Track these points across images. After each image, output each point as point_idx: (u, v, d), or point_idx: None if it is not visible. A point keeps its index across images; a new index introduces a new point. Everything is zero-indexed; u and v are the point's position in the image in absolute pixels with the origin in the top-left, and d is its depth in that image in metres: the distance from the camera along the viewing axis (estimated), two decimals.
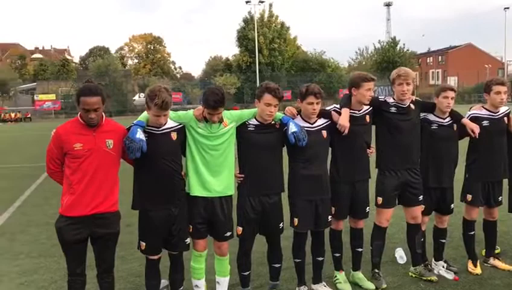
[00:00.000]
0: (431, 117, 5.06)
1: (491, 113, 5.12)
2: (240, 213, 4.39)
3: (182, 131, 4.14)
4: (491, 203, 5.24)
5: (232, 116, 4.30)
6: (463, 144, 5.21)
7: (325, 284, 4.82)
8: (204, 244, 4.33)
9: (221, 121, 4.18)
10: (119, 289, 4.95)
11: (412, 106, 4.92)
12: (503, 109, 5.18)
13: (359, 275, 5.00)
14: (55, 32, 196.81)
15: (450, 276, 5.05)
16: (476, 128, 4.93)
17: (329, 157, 4.75)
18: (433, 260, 5.34)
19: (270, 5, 67.05)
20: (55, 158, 3.79)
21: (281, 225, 4.50)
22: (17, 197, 10.03)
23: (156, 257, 4.16)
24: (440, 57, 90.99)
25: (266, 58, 64.84)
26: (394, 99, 4.91)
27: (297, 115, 4.56)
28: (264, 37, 64.45)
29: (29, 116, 59.27)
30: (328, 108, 4.77)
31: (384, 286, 4.81)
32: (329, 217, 4.68)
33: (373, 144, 4.95)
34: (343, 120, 4.57)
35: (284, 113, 4.52)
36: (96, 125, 3.75)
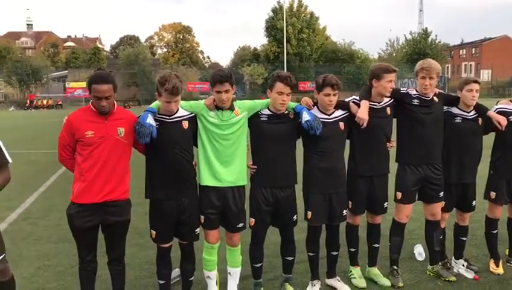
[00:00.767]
0: (455, 110, 4.87)
1: None
2: (253, 204, 4.33)
3: (193, 120, 4.09)
4: None
5: (243, 106, 4.23)
6: (487, 140, 5.01)
7: (339, 279, 4.73)
8: (216, 235, 4.29)
9: (232, 109, 4.12)
10: (134, 276, 5.01)
11: (436, 99, 4.75)
12: None
13: (375, 271, 4.88)
14: (87, 20, 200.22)
15: (470, 275, 4.89)
16: (503, 121, 4.72)
17: (346, 150, 4.64)
18: (453, 258, 5.19)
19: None
20: (67, 145, 3.79)
21: (294, 217, 4.42)
22: (42, 183, 10.24)
23: (166, 245, 4.15)
24: (474, 49, 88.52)
25: (294, 48, 64.36)
26: (417, 91, 4.74)
27: (313, 106, 4.46)
28: (292, 27, 63.95)
29: (60, 103, 60.55)
30: (347, 99, 4.65)
31: (401, 284, 4.69)
32: (345, 211, 4.58)
33: (393, 138, 4.80)
34: (362, 113, 4.43)
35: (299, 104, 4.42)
36: (108, 113, 3.74)
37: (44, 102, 60.31)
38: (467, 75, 78.48)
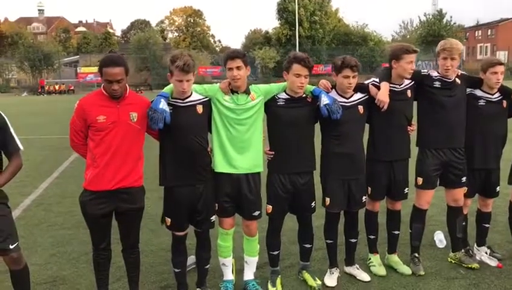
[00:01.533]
0: (478, 93, 4.68)
1: None
2: (270, 191, 4.20)
3: (207, 104, 3.95)
4: None
5: (259, 90, 4.07)
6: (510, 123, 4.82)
7: (358, 267, 4.61)
8: (231, 222, 4.18)
9: (248, 92, 3.97)
10: (149, 263, 4.94)
11: (458, 81, 4.56)
12: None
13: (395, 258, 4.75)
14: (98, 5, 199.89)
15: (493, 263, 4.75)
16: None
17: (365, 134, 4.49)
18: (475, 245, 5.04)
19: None
20: (79, 131, 3.69)
21: (312, 204, 4.30)
22: (55, 168, 10.24)
23: (181, 233, 4.05)
24: (489, 31, 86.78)
25: (306, 31, 63.53)
26: (439, 73, 4.55)
27: (331, 89, 4.30)
28: (304, 9, 63.03)
29: (72, 88, 60.75)
30: (366, 82, 4.48)
31: (422, 272, 4.55)
32: (364, 197, 4.44)
33: (414, 121, 4.63)
34: (383, 95, 4.26)
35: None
36: (120, 98, 3.62)
37: (57, 87, 60.51)
38: (483, 57, 77.08)
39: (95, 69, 63.44)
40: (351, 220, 4.52)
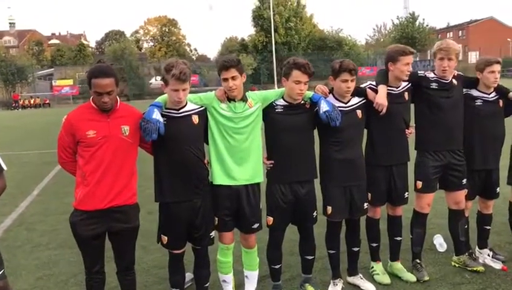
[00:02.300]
0: (474, 92, 4.61)
1: None
2: (270, 202, 4.02)
3: (203, 114, 3.76)
4: None
5: (257, 97, 3.91)
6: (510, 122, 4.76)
7: (362, 277, 4.46)
8: (232, 236, 3.99)
9: (245, 100, 3.80)
10: (141, 283, 4.68)
11: (455, 82, 4.48)
12: None
13: (398, 266, 4.62)
14: (70, 17, 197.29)
15: (497, 265, 4.65)
16: None
17: (364, 139, 4.36)
18: (477, 248, 4.95)
19: None
20: (67, 147, 3.46)
21: (314, 214, 4.13)
22: (35, 185, 9.86)
23: (179, 252, 3.84)
24: (460, 32, 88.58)
25: (282, 37, 63.77)
26: (435, 74, 4.46)
27: (329, 93, 4.16)
28: (279, 16, 63.31)
29: (47, 102, 59.61)
30: (362, 85, 4.36)
31: (427, 278, 4.43)
32: (366, 204, 4.30)
33: (412, 124, 4.53)
34: (381, 98, 4.15)
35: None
36: (111, 110, 3.40)
37: (32, 101, 59.28)
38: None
39: (71, 81, 62.73)
40: (353, 228, 4.38)
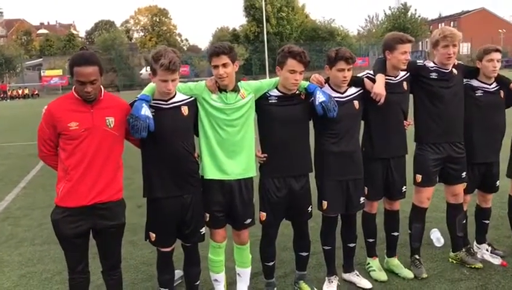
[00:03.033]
0: (475, 83, 4.45)
1: None
2: (263, 197, 3.84)
3: (193, 105, 3.56)
4: None
5: (250, 87, 3.71)
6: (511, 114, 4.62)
7: (358, 273, 4.31)
8: (223, 234, 3.81)
9: (237, 90, 3.61)
10: (129, 280, 4.52)
11: (455, 71, 4.31)
12: None
13: (395, 262, 4.48)
14: (60, 7, 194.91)
15: (496, 261, 4.53)
16: None
17: (361, 131, 4.20)
18: (475, 242, 4.82)
19: None
20: (48, 139, 3.24)
21: (309, 208, 3.97)
22: (22, 178, 9.62)
23: (168, 249, 3.65)
24: (452, 23, 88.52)
25: (274, 27, 63.54)
26: (435, 63, 4.29)
27: (325, 83, 3.98)
28: (271, 6, 63.02)
29: (36, 92, 58.92)
30: (360, 74, 4.18)
31: (425, 275, 4.28)
32: (362, 198, 4.14)
33: (410, 116, 4.36)
34: (379, 87, 3.97)
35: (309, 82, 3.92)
36: (94, 101, 3.19)
37: (20, 92, 58.56)
38: None
39: (60, 71, 61.99)
40: (349, 224, 4.22)
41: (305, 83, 3.81)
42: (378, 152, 4.18)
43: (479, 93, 4.43)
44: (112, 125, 3.23)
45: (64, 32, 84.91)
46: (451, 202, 4.52)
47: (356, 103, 4.00)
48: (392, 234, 4.47)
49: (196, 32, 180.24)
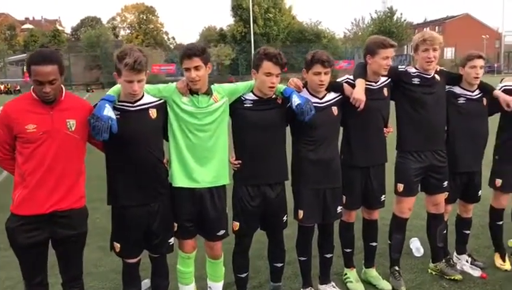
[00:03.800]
0: (457, 90, 4.33)
1: None
2: (237, 206, 3.67)
3: (162, 108, 3.37)
4: None
5: (223, 91, 3.53)
6: (492, 122, 4.50)
7: (334, 285, 4.16)
8: (193, 244, 3.63)
9: (210, 93, 3.43)
10: (97, 288, 4.32)
11: (437, 77, 4.19)
12: None
13: (373, 273, 4.34)
14: (46, 2, 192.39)
15: (476, 273, 4.41)
16: None
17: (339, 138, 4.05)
18: (455, 253, 4.71)
19: None
20: (3, 142, 3.03)
21: (284, 218, 3.81)
22: None
23: (134, 261, 3.46)
24: (437, 27, 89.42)
25: (261, 28, 63.42)
26: (417, 68, 4.17)
27: (303, 88, 3.82)
28: (259, 7, 62.87)
29: (18, 88, 57.86)
30: (339, 79, 4.03)
31: (404, 288, 4.16)
32: (339, 208, 3.99)
33: (390, 123, 4.22)
34: (358, 93, 3.83)
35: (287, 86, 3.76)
36: (54, 102, 2.98)
37: (2, 87, 57.50)
38: None
39: None
40: (326, 233, 4.07)
41: (282, 87, 3.65)
42: (356, 160, 4.03)
43: (461, 100, 4.31)
44: (73, 128, 3.03)
45: (50, 28, 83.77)
46: (432, 212, 4.40)
47: (335, 109, 3.86)
48: (371, 244, 4.33)
49: (183, 30, 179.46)
